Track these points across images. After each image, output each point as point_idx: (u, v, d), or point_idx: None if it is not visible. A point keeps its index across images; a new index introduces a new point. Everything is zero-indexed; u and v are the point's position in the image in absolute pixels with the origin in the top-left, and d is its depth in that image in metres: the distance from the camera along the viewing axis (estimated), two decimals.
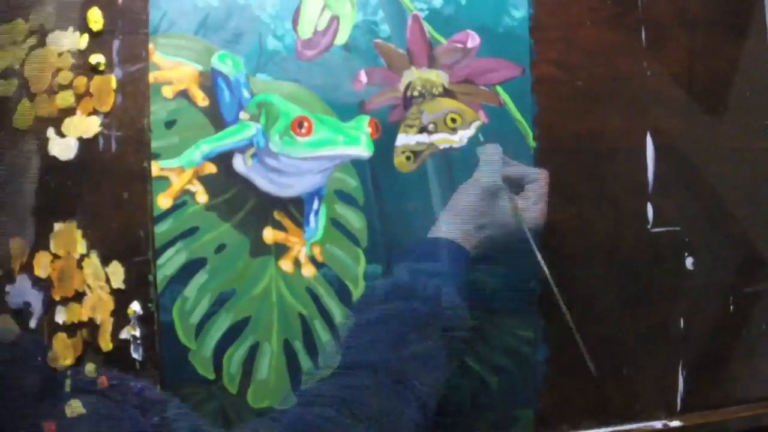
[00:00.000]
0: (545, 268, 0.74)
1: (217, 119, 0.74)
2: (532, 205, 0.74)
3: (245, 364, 0.73)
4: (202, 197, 0.73)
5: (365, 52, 0.76)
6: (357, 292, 0.75)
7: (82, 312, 0.72)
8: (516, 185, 0.76)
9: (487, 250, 0.73)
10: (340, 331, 0.65)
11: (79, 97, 0.72)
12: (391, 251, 0.74)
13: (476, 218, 0.72)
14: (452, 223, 0.72)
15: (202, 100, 0.73)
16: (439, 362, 0.63)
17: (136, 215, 0.72)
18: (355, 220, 0.76)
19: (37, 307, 0.72)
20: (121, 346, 0.72)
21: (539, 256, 0.74)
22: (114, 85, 0.72)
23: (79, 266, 0.72)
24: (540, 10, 0.78)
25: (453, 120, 0.76)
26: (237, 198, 0.74)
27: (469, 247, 0.71)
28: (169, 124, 0.73)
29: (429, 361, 0.61)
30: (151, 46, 0.73)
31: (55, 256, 0.72)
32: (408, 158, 0.76)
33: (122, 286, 0.72)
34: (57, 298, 0.71)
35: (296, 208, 0.75)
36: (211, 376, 0.73)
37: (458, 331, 0.65)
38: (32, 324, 0.71)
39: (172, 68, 0.73)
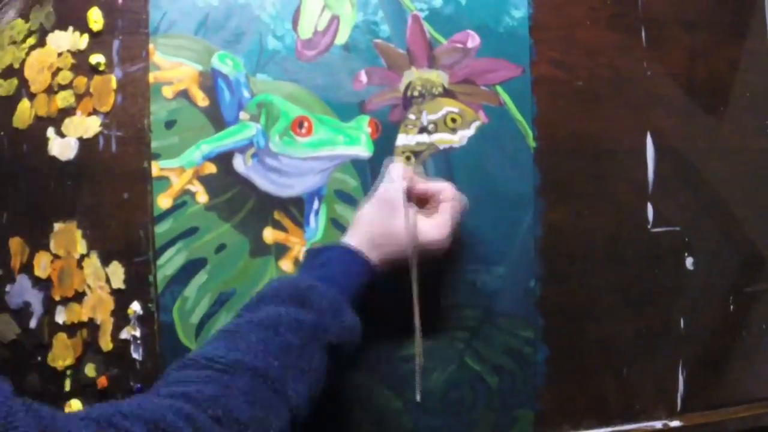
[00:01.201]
0: (417, 312, 0.67)
1: (217, 119, 0.74)
2: (433, 228, 0.67)
3: None
4: (202, 197, 0.73)
5: (365, 52, 0.76)
6: None
7: (83, 312, 0.72)
8: (421, 202, 0.70)
9: (387, 266, 0.66)
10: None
11: (79, 97, 0.72)
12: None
13: (377, 232, 0.66)
14: (360, 233, 0.66)
15: (202, 100, 0.73)
16: (319, 375, 0.60)
17: (136, 215, 0.72)
18: None
19: (37, 307, 0.72)
20: (122, 346, 0.72)
21: (415, 294, 0.66)
22: (114, 85, 0.72)
23: (79, 266, 0.72)
24: (540, 10, 0.78)
25: (453, 120, 0.76)
26: (237, 198, 0.74)
27: (374, 259, 0.65)
28: (169, 124, 0.73)
29: (309, 373, 0.59)
30: (151, 46, 0.73)
31: (55, 256, 0.72)
32: (408, 158, 0.76)
33: (122, 286, 0.72)
34: (57, 298, 0.72)
35: (296, 208, 0.75)
36: None
37: (346, 347, 0.62)
38: (32, 324, 0.71)
39: (172, 68, 0.73)
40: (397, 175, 0.69)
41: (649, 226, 0.81)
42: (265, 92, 0.74)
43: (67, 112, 0.72)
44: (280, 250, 0.74)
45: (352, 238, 0.66)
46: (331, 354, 0.60)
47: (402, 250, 0.66)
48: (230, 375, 0.53)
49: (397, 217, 0.66)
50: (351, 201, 0.76)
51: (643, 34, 0.81)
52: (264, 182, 0.74)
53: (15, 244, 0.72)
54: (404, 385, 0.75)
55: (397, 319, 0.70)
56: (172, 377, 0.54)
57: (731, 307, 0.84)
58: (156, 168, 0.72)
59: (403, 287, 0.67)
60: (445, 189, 0.70)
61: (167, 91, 0.73)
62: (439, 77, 0.77)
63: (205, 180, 0.73)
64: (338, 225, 0.75)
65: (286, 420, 0.55)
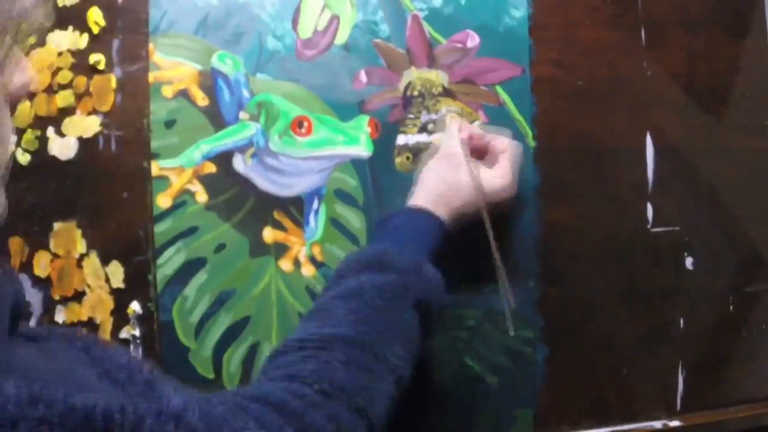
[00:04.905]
0: (496, 255, 0.69)
1: (216, 119, 0.74)
2: (496, 178, 0.69)
3: (245, 363, 0.74)
4: (201, 197, 0.73)
5: (365, 52, 0.76)
6: None
7: (82, 311, 0.72)
8: (479, 153, 0.72)
9: (455, 219, 0.67)
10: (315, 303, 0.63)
11: (79, 97, 0.72)
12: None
13: (442, 188, 0.67)
14: (425, 191, 0.68)
15: (201, 99, 0.73)
16: (413, 335, 0.60)
17: (136, 215, 0.72)
18: (354, 219, 0.76)
19: (37, 307, 0.72)
20: (121, 346, 0.72)
21: (491, 239, 0.68)
22: (114, 84, 0.72)
23: (79, 266, 0.72)
24: (540, 9, 0.78)
25: (453, 120, 0.76)
26: (237, 198, 0.74)
27: (443, 215, 0.66)
28: (169, 123, 0.73)
29: (403, 334, 0.59)
30: (151, 45, 0.73)
31: (55, 256, 0.72)
32: (408, 158, 0.76)
33: (122, 286, 0.72)
34: (57, 297, 0.72)
35: (296, 208, 0.75)
36: (211, 376, 0.73)
37: (433, 302, 0.63)
38: (32, 324, 0.71)
39: (172, 68, 0.73)
40: (455, 130, 0.71)
41: (649, 226, 0.81)
42: (264, 92, 0.74)
43: (67, 111, 0.72)
44: (280, 249, 0.74)
45: (418, 198, 0.67)
46: (421, 311, 0.61)
47: (468, 203, 0.68)
48: (326, 350, 0.54)
49: (461, 171, 0.68)
50: (351, 201, 0.76)
51: (643, 34, 0.81)
52: (264, 182, 0.74)
53: (15, 243, 0.72)
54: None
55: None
56: (270, 366, 0.55)
57: (731, 307, 0.84)
58: (156, 167, 0.72)
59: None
60: (501, 141, 0.72)
61: (167, 91, 0.73)
62: (438, 77, 0.77)
63: (205, 179, 0.73)
64: (338, 225, 0.75)
65: (390, 382, 0.56)
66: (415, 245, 0.63)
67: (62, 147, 0.72)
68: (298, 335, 0.57)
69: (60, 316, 0.71)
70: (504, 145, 0.71)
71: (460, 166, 0.68)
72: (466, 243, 0.69)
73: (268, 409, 0.48)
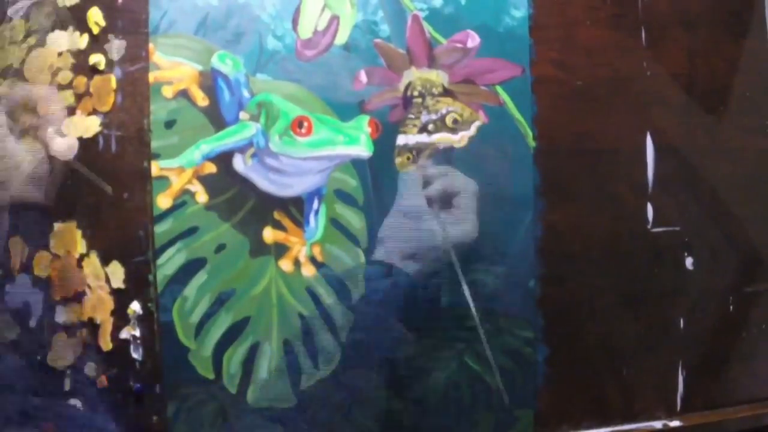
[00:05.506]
0: (468, 297, 0.73)
1: (217, 119, 0.74)
2: (459, 221, 0.72)
3: (245, 364, 0.74)
4: (201, 197, 0.73)
5: (365, 52, 0.76)
6: (357, 292, 0.75)
7: (83, 312, 0.72)
8: (442, 202, 0.74)
9: (418, 277, 0.72)
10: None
11: (79, 97, 0.72)
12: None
13: (405, 245, 0.71)
14: (388, 248, 0.72)
15: (202, 99, 0.73)
16: None
17: (136, 215, 0.72)
18: (355, 220, 0.76)
19: (37, 307, 0.72)
20: (121, 346, 0.72)
21: (463, 283, 0.72)
22: (114, 84, 0.72)
23: (79, 266, 0.72)
24: (540, 9, 0.78)
25: (453, 120, 0.76)
26: (237, 198, 0.74)
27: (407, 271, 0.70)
28: (169, 124, 0.73)
29: None
30: (151, 45, 0.73)
31: (55, 256, 0.72)
32: (408, 158, 0.76)
33: (122, 286, 0.72)
34: (57, 298, 0.72)
35: (296, 208, 0.75)
36: (211, 376, 0.73)
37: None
38: (32, 324, 0.71)
39: (172, 68, 0.73)
40: (415, 182, 0.73)
41: (649, 226, 0.81)
42: (264, 92, 0.74)
43: (67, 111, 0.72)
44: (280, 249, 0.74)
45: (388, 250, 0.72)
46: None
47: (434, 258, 0.71)
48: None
49: (423, 224, 0.71)
50: (351, 201, 0.76)
51: (643, 34, 0.81)
52: (264, 182, 0.74)
53: (15, 243, 0.72)
54: (404, 385, 0.75)
55: (395, 318, 0.70)
56: None
57: (731, 307, 0.84)
58: (156, 168, 0.72)
59: (398, 287, 0.67)
60: (457, 185, 0.74)
61: (167, 91, 0.73)
62: (439, 77, 0.77)
63: (205, 180, 0.73)
64: (338, 225, 0.75)
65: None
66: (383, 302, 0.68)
67: (62, 147, 0.72)
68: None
69: (60, 316, 0.71)
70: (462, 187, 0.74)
71: (422, 218, 0.70)
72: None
73: None
